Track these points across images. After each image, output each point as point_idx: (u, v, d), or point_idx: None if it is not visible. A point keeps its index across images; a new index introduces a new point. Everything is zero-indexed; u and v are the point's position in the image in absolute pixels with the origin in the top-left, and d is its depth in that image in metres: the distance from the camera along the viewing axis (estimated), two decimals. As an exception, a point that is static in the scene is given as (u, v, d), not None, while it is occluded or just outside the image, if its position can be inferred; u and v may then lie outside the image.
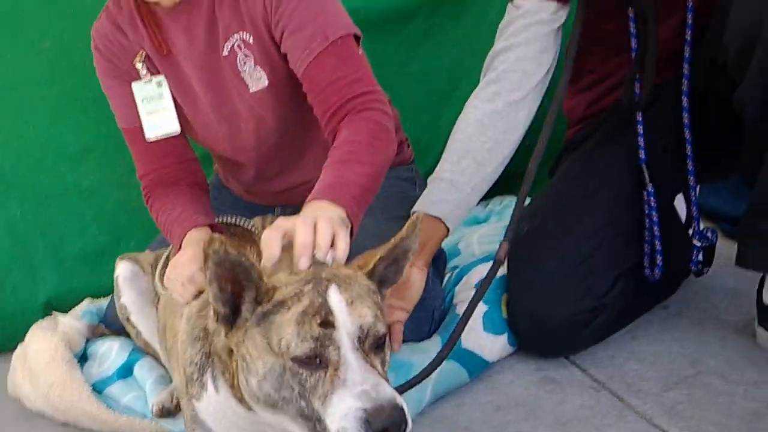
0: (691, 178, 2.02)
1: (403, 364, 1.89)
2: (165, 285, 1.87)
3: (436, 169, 2.10)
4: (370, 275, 1.46)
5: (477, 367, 1.99)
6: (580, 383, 1.92)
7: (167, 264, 1.96)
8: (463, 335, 1.94)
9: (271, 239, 1.50)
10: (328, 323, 1.31)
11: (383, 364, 1.39)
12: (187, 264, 1.78)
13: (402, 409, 1.26)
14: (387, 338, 1.41)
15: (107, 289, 2.54)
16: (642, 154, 2.01)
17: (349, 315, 1.33)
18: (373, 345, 1.35)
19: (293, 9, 1.88)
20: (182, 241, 1.92)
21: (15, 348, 2.33)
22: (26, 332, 2.37)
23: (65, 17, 2.59)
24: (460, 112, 2.78)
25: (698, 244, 2.03)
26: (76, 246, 2.70)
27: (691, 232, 2.06)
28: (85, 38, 2.43)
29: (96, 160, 2.71)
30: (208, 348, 1.54)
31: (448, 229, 2.03)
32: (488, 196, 2.91)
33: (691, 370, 1.88)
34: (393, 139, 1.86)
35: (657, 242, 1.99)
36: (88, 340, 2.31)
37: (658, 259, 1.99)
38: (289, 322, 1.32)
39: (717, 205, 2.61)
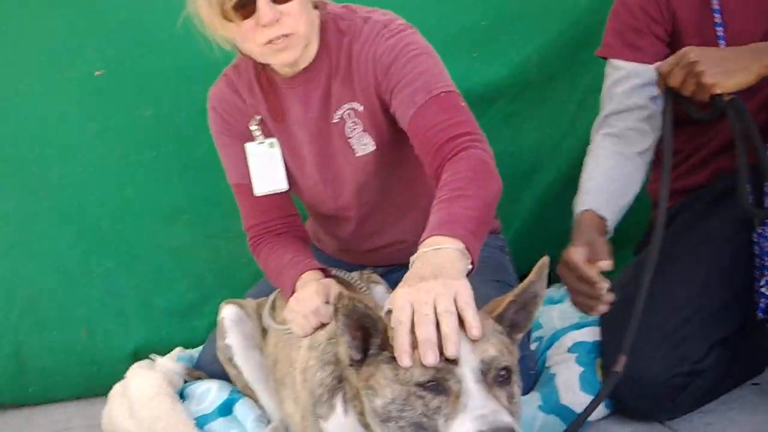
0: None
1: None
2: (286, 317, 1.95)
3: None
4: (500, 319, 1.53)
5: (575, 425, 2.00)
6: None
7: (274, 305, 2.05)
8: (561, 392, 2.01)
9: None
10: (449, 360, 1.38)
11: (510, 397, 1.43)
12: (311, 297, 1.88)
13: (517, 429, 1.31)
14: (514, 376, 1.46)
15: (194, 342, 2.66)
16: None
17: (471, 352, 1.40)
18: (496, 378, 1.41)
19: (401, 69, 2.00)
20: (296, 281, 2.00)
21: (103, 393, 2.42)
22: (114, 378, 2.46)
23: (166, 85, 2.80)
24: (540, 193, 2.93)
25: None
26: (165, 300, 2.84)
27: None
28: (184, 106, 2.65)
29: (187, 221, 2.87)
30: (339, 372, 1.60)
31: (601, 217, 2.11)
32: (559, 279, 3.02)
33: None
34: (496, 175, 1.88)
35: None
36: (185, 382, 2.36)
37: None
38: (416, 359, 1.40)
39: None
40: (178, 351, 2.62)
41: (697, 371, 2.01)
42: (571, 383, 2.07)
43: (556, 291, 2.97)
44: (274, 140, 2.19)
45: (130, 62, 2.75)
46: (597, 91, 2.89)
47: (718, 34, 2.15)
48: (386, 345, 1.46)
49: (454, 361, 1.39)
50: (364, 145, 2.12)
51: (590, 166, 2.24)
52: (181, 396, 2.31)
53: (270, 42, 1.95)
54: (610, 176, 2.19)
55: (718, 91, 1.95)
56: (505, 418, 1.33)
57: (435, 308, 1.44)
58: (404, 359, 1.41)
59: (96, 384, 2.70)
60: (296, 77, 2.12)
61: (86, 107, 2.77)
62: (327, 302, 1.88)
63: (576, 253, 1.99)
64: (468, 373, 1.38)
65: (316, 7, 2.09)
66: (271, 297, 2.19)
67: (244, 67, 2.20)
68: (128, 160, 2.80)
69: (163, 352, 2.64)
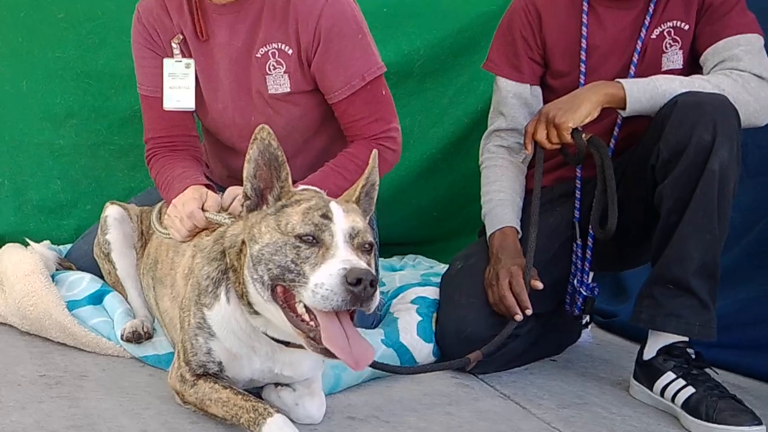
0: (589, 251, 2.47)
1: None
2: (164, 223, 2.14)
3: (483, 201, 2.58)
4: (357, 202, 1.84)
5: (407, 361, 2.33)
6: (490, 392, 2.29)
7: (161, 211, 2.25)
8: (401, 332, 2.34)
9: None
10: (326, 216, 1.68)
11: (368, 265, 1.69)
12: (187, 202, 2.10)
13: (374, 275, 1.58)
14: (374, 253, 1.77)
15: (60, 239, 2.79)
16: (577, 214, 2.46)
17: (344, 218, 1.70)
18: (361, 245, 1.69)
19: (337, 45, 2.26)
20: (181, 192, 2.19)
21: None
22: None
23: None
24: (400, 172, 3.25)
25: (584, 293, 2.46)
26: (38, 195, 2.95)
27: (577, 281, 2.48)
28: (95, 15, 2.78)
29: (74, 125, 2.98)
30: (223, 266, 1.83)
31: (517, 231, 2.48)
32: (403, 252, 3.36)
33: (579, 400, 2.28)
34: (388, 165, 2.34)
35: (579, 286, 2.42)
36: (56, 270, 2.48)
37: (578, 300, 2.42)
38: (297, 212, 1.69)
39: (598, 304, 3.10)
40: (47, 243, 2.72)
41: (513, 335, 2.37)
42: (410, 327, 2.39)
43: (398, 261, 3.32)
44: (191, 61, 2.36)
45: (54, -37, 2.83)
46: (468, 93, 3.32)
47: (581, 69, 2.51)
48: (282, 196, 1.74)
49: (329, 219, 1.67)
50: (280, 85, 2.32)
51: (494, 177, 2.58)
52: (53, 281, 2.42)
53: None
54: (514, 188, 2.55)
55: (571, 125, 2.32)
56: (364, 265, 1.61)
57: None
58: None
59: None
60: (227, 5, 2.29)
61: (2, -2, 2.81)
62: (201, 208, 2.09)
63: (520, 275, 2.33)
64: (339, 232, 1.66)
65: None
66: (159, 204, 2.36)
67: None
68: (31, 55, 2.87)
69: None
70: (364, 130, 2.33)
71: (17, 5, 2.84)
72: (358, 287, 1.55)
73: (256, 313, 1.76)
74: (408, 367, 2.28)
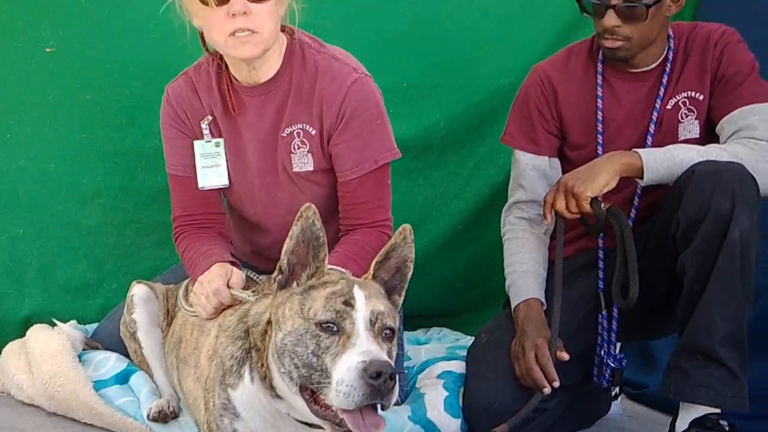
0: (615, 322, 2.46)
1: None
2: (190, 301, 2.16)
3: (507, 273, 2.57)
4: (374, 278, 1.84)
5: (435, 438, 2.30)
6: (519, 468, 2.26)
7: (187, 289, 2.27)
8: (428, 408, 2.33)
9: None
10: (349, 304, 1.68)
11: (390, 353, 1.71)
12: (213, 279, 2.14)
13: (393, 368, 1.58)
14: (395, 339, 1.76)
15: (86, 318, 2.81)
16: (601, 284, 2.45)
17: (365, 303, 1.69)
18: (381, 330, 1.69)
19: (356, 126, 2.32)
20: (207, 270, 2.21)
21: None
22: (1, 341, 2.64)
23: (109, 75, 2.99)
24: (423, 243, 3.27)
25: (612, 364, 2.43)
26: (64, 275, 2.97)
27: (604, 353, 2.45)
28: (121, 97, 2.85)
29: (101, 204, 3.02)
30: (247, 345, 1.84)
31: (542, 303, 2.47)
32: (427, 325, 3.35)
33: (611, 475, 2.25)
34: None
35: (607, 358, 2.40)
36: (83, 350, 2.50)
37: (607, 372, 2.40)
38: (321, 297, 1.70)
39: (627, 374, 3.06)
40: (73, 323, 2.75)
41: (540, 409, 2.35)
42: (437, 403, 2.37)
43: (423, 334, 3.31)
44: (221, 140, 2.42)
45: (81, 46, 2.91)
46: (488, 163, 3.35)
47: (598, 141, 2.54)
48: (315, 275, 1.76)
49: (351, 306, 1.67)
50: (304, 163, 2.38)
51: (516, 249, 2.58)
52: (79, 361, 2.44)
53: (234, 33, 2.19)
54: (537, 259, 2.55)
55: (589, 195, 2.33)
56: (385, 357, 1.61)
57: None
58: None
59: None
60: (256, 87, 2.36)
61: (29, 79, 2.89)
62: (228, 285, 2.12)
63: (545, 347, 2.32)
64: (360, 319, 1.66)
65: (283, 30, 2.36)
66: (185, 282, 2.39)
67: (206, 68, 2.42)
68: (57, 136, 2.93)
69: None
70: (367, 216, 2.37)
71: (45, 87, 2.91)
72: (378, 380, 1.55)
73: (279, 396, 1.76)
74: None
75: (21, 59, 2.89)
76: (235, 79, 2.37)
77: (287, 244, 1.77)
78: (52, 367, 2.28)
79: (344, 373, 1.58)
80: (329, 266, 2.00)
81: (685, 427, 2.23)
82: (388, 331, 1.71)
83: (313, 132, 2.35)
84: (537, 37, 3.30)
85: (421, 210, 3.37)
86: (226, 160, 2.43)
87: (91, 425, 2.24)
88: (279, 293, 1.78)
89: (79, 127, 2.97)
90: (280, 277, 1.79)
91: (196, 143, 2.41)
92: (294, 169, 2.39)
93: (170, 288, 2.49)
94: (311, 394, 1.67)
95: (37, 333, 2.48)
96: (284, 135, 2.37)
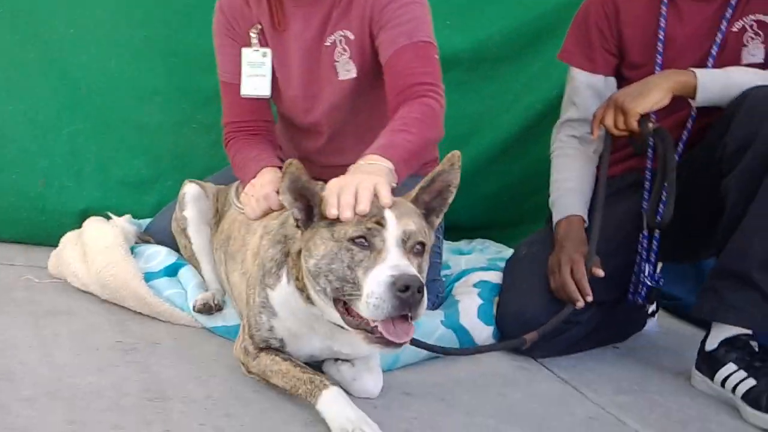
0: (655, 242, 2.47)
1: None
2: (241, 200, 2.24)
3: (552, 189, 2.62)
4: (415, 201, 1.87)
5: (467, 343, 2.38)
6: (547, 376, 2.33)
7: (238, 189, 2.34)
8: (461, 314, 2.39)
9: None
10: (379, 223, 1.72)
11: (420, 267, 1.76)
12: (265, 184, 2.20)
13: (421, 282, 1.63)
14: (426, 255, 1.80)
15: (141, 214, 2.92)
16: (645, 205, 2.46)
17: (396, 223, 1.73)
18: (412, 248, 1.74)
19: (394, 11, 2.30)
20: (257, 173, 2.29)
21: (47, 242, 2.75)
22: (59, 231, 2.73)
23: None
24: (472, 156, 3.28)
25: (649, 283, 2.46)
26: (121, 170, 3.06)
27: (646, 272, 2.48)
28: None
29: (159, 103, 3.08)
30: (286, 249, 1.91)
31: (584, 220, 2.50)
32: (471, 236, 3.39)
33: (637, 387, 2.31)
34: (440, 123, 2.25)
35: (643, 276, 2.43)
36: (135, 243, 2.61)
37: (643, 290, 2.43)
38: (351, 223, 1.73)
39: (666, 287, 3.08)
40: (128, 217, 2.85)
41: (573, 321, 2.40)
42: (471, 310, 2.44)
43: (466, 245, 3.36)
44: (267, 50, 2.45)
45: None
46: (541, 78, 3.32)
47: (657, 61, 2.51)
48: (323, 216, 1.78)
49: (382, 226, 1.71)
50: (347, 71, 2.39)
51: (563, 166, 2.61)
52: (132, 254, 2.55)
53: None
54: (583, 177, 2.57)
55: (639, 111, 2.33)
56: (414, 271, 1.66)
57: (357, 189, 1.78)
58: (331, 211, 1.74)
59: (42, 233, 2.90)
60: None
61: (91, -24, 2.93)
62: (277, 192, 2.17)
63: (581, 263, 2.36)
64: (391, 237, 1.71)
65: None
66: (236, 183, 2.47)
67: None
68: (119, 34, 2.98)
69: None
70: (410, 79, 2.25)
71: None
72: (406, 293, 1.61)
73: (313, 303, 1.83)
74: (463, 348, 2.32)
75: (84, -43, 2.92)
76: None
77: (284, 199, 1.80)
78: (105, 257, 2.39)
79: (374, 286, 1.63)
80: (371, 158, 2.01)
81: (715, 345, 2.27)
82: (419, 246, 1.75)
83: (353, 37, 2.36)
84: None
85: (471, 122, 3.36)
86: (273, 71, 2.47)
87: (141, 313, 2.35)
88: (305, 233, 1.81)
89: (140, 25, 3.00)
90: (299, 221, 1.82)
91: (244, 50, 2.45)
92: (339, 77, 2.41)
93: (220, 188, 2.57)
94: (344, 305, 1.73)
95: (93, 225, 2.58)
96: (327, 44, 2.39)
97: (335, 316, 1.77)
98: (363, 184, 1.79)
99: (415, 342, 2.04)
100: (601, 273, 2.35)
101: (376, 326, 1.68)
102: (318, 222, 1.79)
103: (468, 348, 2.34)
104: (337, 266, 1.71)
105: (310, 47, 2.42)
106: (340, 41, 2.38)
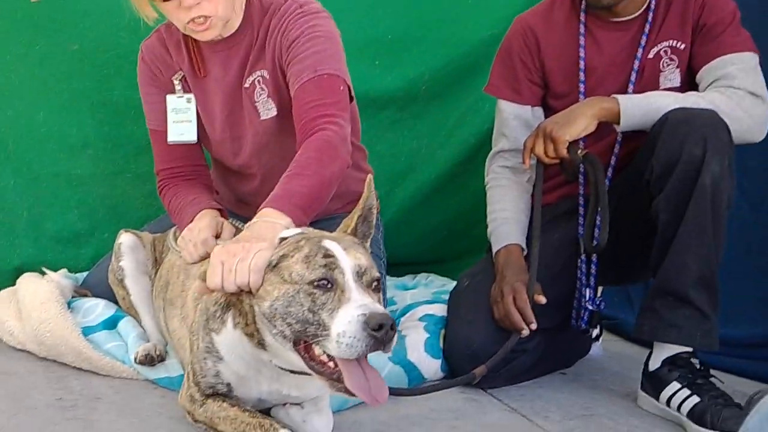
0: (594, 266, 2.51)
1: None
2: (178, 244, 2.21)
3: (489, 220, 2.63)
4: (354, 233, 1.87)
5: (415, 378, 2.38)
6: (497, 406, 2.33)
7: (176, 234, 2.32)
8: (408, 350, 2.38)
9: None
10: (328, 256, 1.70)
11: (380, 303, 1.74)
12: (203, 229, 2.19)
13: (393, 319, 1.62)
14: (382, 285, 1.80)
15: (77, 267, 2.87)
16: (581, 230, 2.50)
17: (346, 255, 1.72)
18: (370, 283, 1.72)
19: (300, 46, 2.31)
20: (194, 216, 2.28)
21: None
22: None
23: (97, 26, 3.00)
24: (410, 192, 3.32)
25: (590, 307, 2.49)
26: (55, 225, 3.01)
27: (582, 296, 2.51)
28: (108, 48, 2.87)
29: (91, 155, 3.05)
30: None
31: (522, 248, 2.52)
32: (415, 271, 3.41)
33: (586, 412, 2.32)
34: (341, 153, 2.19)
35: (585, 301, 2.46)
36: (72, 297, 2.56)
37: (585, 315, 2.46)
38: (297, 262, 1.71)
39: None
40: (63, 271, 2.80)
41: (519, 350, 2.41)
42: (418, 344, 2.44)
43: (410, 280, 3.37)
44: (191, 96, 2.47)
45: (68, -3, 2.92)
46: (473, 114, 3.39)
47: (580, 89, 2.57)
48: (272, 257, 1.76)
49: (333, 257, 1.69)
50: (268, 110, 2.41)
51: (498, 196, 2.64)
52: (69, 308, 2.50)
53: (191, 21, 2.24)
54: (518, 206, 2.60)
55: (567, 138, 2.38)
56: (381, 309, 1.65)
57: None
58: (213, 281, 1.77)
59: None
60: (219, 43, 2.40)
61: (15, 30, 2.90)
62: (216, 236, 2.17)
63: (523, 291, 2.37)
64: (348, 271, 1.69)
65: None
66: (174, 228, 2.44)
67: (175, 27, 2.43)
68: (46, 87, 2.94)
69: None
70: (310, 115, 2.22)
71: (32, 39, 2.92)
72: (380, 332, 1.60)
73: (264, 349, 1.80)
74: (413, 388, 2.31)
75: (7, 10, 2.89)
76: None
77: None
78: (41, 314, 2.33)
79: (346, 326, 1.61)
80: (266, 213, 1.99)
81: (658, 365, 2.30)
82: (376, 283, 1.74)
83: (268, 76, 2.38)
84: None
85: (407, 160, 3.41)
86: (198, 116, 2.48)
87: (80, 369, 2.30)
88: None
89: (67, 77, 2.98)
90: None
91: (168, 97, 2.46)
92: (261, 117, 2.42)
93: (157, 236, 2.54)
94: (305, 349, 1.70)
95: (27, 281, 2.53)
96: (247, 86, 2.41)
97: (292, 359, 1.74)
98: (236, 259, 1.78)
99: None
100: (543, 300, 2.38)
101: (339, 375, 1.66)
102: None
103: (420, 387, 2.31)
104: (295, 309, 1.68)
105: (231, 91, 2.43)
106: (258, 81, 2.40)
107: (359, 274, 1.71)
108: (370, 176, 1.92)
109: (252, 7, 2.40)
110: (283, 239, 1.82)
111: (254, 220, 1.97)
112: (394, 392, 2.16)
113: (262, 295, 1.74)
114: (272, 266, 1.75)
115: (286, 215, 1.97)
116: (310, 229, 1.91)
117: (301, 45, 2.30)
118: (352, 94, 2.38)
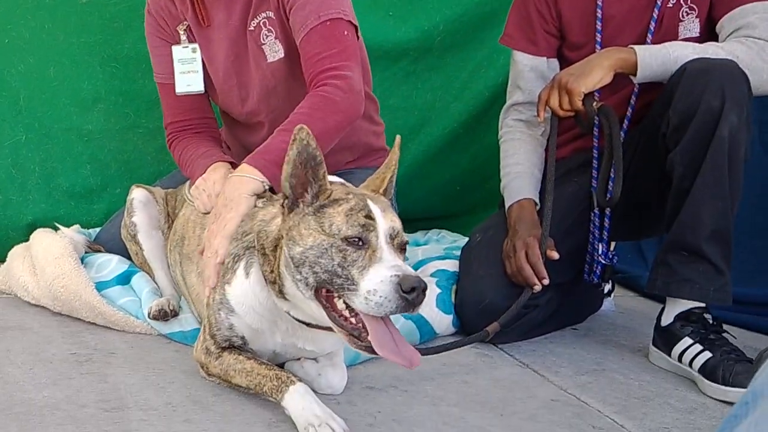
0: (607, 220, 2.49)
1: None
2: (191, 194, 2.21)
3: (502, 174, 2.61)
4: (385, 193, 1.86)
5: (427, 333, 2.38)
6: (508, 361, 2.33)
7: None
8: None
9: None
10: (370, 217, 1.69)
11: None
12: (218, 180, 2.18)
13: (425, 283, 1.61)
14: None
15: (90, 223, 2.87)
16: (594, 184, 2.48)
17: (383, 218, 1.71)
18: (399, 245, 1.72)
19: None
20: (207, 168, 2.27)
21: None
22: (7, 244, 2.69)
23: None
24: (423, 146, 3.30)
25: (603, 261, 2.48)
26: (67, 180, 3.00)
27: (595, 250, 2.50)
28: (117, 1, 2.83)
29: (103, 110, 3.03)
30: (245, 244, 1.88)
31: (535, 203, 2.51)
32: (427, 227, 3.40)
33: (597, 367, 2.32)
34: (341, 108, 2.18)
35: (597, 255, 2.45)
36: (85, 252, 2.57)
37: (597, 269, 2.45)
38: (340, 213, 1.70)
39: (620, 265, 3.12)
40: (76, 227, 2.80)
41: (532, 305, 2.41)
42: (430, 300, 2.41)
43: (422, 236, 3.36)
44: (196, 45, 2.45)
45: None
46: (487, 66, 3.34)
47: (597, 39, 2.53)
48: (319, 194, 1.75)
49: (373, 219, 1.68)
50: (275, 51, 2.38)
51: (512, 150, 2.61)
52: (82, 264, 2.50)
53: None
54: (532, 161, 2.57)
55: (583, 90, 2.33)
56: (412, 271, 1.64)
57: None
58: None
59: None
60: None
61: (26, -18, 2.86)
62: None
63: (536, 246, 2.35)
64: (382, 234, 1.68)
65: None
66: (187, 183, 2.43)
67: None
68: (57, 41, 2.91)
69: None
70: (314, 69, 2.22)
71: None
72: (412, 295, 1.59)
73: (284, 298, 1.80)
74: (430, 347, 2.30)
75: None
76: None
77: (285, 170, 1.74)
78: (54, 269, 2.34)
79: (377, 285, 1.60)
80: (243, 169, 2.03)
81: (671, 320, 2.29)
82: (404, 245, 1.74)
83: (273, 16, 2.35)
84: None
85: (421, 113, 3.38)
86: (204, 67, 2.47)
87: (94, 324, 2.31)
88: (289, 216, 1.77)
89: (77, 31, 2.94)
90: (286, 201, 1.77)
91: (174, 48, 2.46)
92: (268, 60, 2.40)
93: (170, 192, 2.53)
94: (327, 299, 1.70)
95: (40, 237, 2.52)
96: (252, 28, 2.39)
97: (312, 309, 1.74)
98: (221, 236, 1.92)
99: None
100: (555, 255, 2.36)
101: (364, 332, 1.66)
102: (304, 208, 1.75)
103: (434, 347, 2.29)
104: (325, 261, 1.67)
105: (236, 36, 2.41)
106: (264, 23, 2.37)
107: (392, 237, 1.70)
108: (398, 137, 1.89)
109: None
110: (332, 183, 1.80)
111: (233, 173, 2.04)
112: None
113: (295, 238, 1.72)
114: (315, 209, 1.73)
115: (260, 171, 2.01)
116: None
117: None
118: (359, 33, 2.36)
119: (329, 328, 1.75)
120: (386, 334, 1.67)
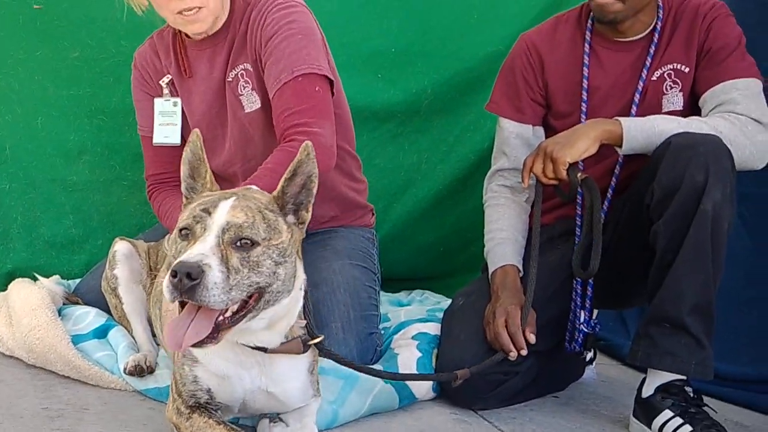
0: (589, 289, 2.48)
1: (351, 374, 2.21)
2: (168, 245, 2.21)
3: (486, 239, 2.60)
4: (281, 196, 1.81)
5: (406, 398, 2.34)
6: (487, 428, 2.30)
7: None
8: (400, 368, 2.37)
9: None
10: (207, 211, 1.69)
11: (245, 261, 1.66)
12: None
13: (199, 265, 1.58)
14: (259, 249, 1.69)
15: (70, 274, 2.84)
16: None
17: (227, 213, 1.69)
18: (232, 241, 1.66)
19: (276, 45, 2.33)
20: None
21: None
22: None
23: (97, 34, 3.01)
24: (407, 207, 3.31)
25: (584, 329, 2.47)
26: (49, 230, 3.01)
27: (581, 319, 2.49)
28: (108, 56, 2.85)
29: (88, 161, 3.05)
30: None
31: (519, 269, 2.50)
32: (410, 288, 3.39)
33: (577, 438, 2.30)
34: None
35: (579, 323, 2.44)
36: (63, 304, 2.54)
37: (579, 337, 2.44)
38: (189, 208, 1.75)
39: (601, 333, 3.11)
40: (56, 278, 2.78)
41: (512, 372, 2.39)
42: (410, 363, 2.41)
43: (405, 296, 3.36)
44: (177, 100, 2.51)
45: (69, 4, 2.94)
46: (474, 131, 3.38)
47: (582, 109, 2.56)
48: (203, 190, 1.85)
49: (208, 214, 1.68)
50: (252, 102, 2.42)
51: (496, 215, 2.61)
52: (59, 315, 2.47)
53: (181, 12, 2.26)
54: (516, 227, 2.58)
55: (568, 160, 2.35)
56: (193, 259, 1.59)
57: None
58: None
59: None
60: (205, 41, 2.44)
61: (17, 36, 2.91)
62: None
63: (517, 315, 2.35)
64: (214, 226, 1.67)
65: None
66: (168, 235, 2.42)
67: (167, 32, 2.51)
68: (45, 92, 2.95)
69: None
70: (284, 124, 2.27)
71: (33, 45, 2.93)
72: (174, 280, 1.57)
73: None
74: (392, 372, 2.27)
75: (9, 15, 2.90)
76: (188, 36, 2.45)
77: (182, 171, 1.84)
78: (31, 320, 2.31)
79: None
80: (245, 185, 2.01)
81: (651, 392, 2.27)
82: (245, 241, 1.68)
83: (250, 68, 2.40)
84: (526, 6, 3.33)
85: (407, 174, 3.41)
86: (182, 120, 2.51)
87: (69, 378, 2.27)
88: None
89: (67, 84, 2.99)
90: (185, 202, 1.84)
91: (156, 100, 2.51)
92: (246, 110, 2.43)
93: (152, 245, 2.52)
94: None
95: (18, 287, 2.51)
96: (230, 80, 2.43)
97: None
98: None
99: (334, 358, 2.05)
100: (532, 339, 2.35)
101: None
102: None
103: (402, 374, 2.29)
104: (170, 253, 1.73)
105: (215, 87, 2.46)
106: (242, 75, 2.42)
107: (224, 230, 1.67)
108: (307, 142, 1.82)
109: (236, 2, 2.44)
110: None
111: None
112: (374, 374, 2.16)
113: None
114: (185, 205, 1.82)
115: None
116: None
117: (277, 44, 2.32)
118: (335, 88, 2.39)
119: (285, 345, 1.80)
120: (175, 327, 1.65)
